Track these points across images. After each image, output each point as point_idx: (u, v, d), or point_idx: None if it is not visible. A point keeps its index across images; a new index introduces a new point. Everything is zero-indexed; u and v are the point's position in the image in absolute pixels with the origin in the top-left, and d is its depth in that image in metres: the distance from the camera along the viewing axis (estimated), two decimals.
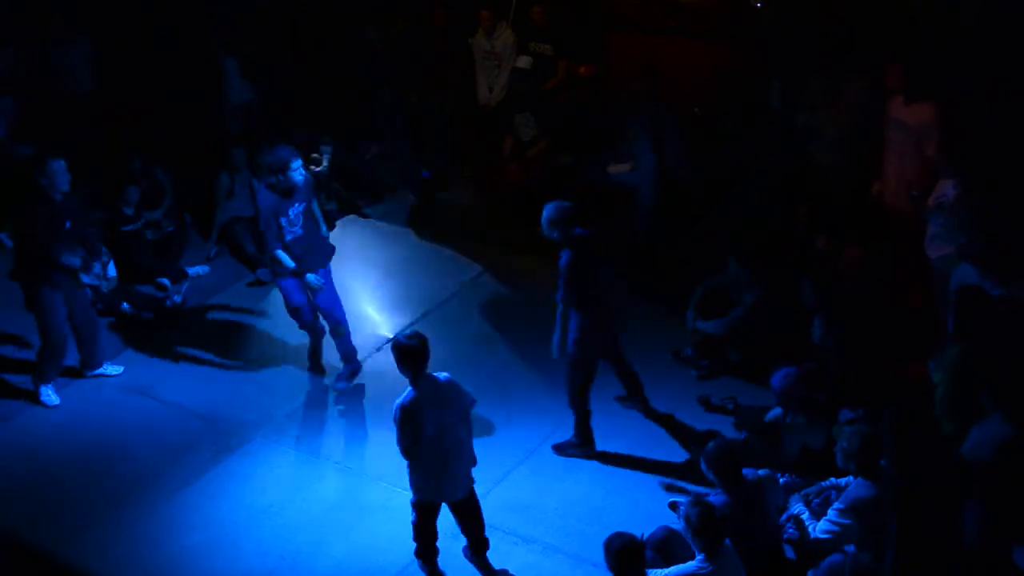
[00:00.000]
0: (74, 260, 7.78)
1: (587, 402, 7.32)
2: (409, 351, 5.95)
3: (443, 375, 6.11)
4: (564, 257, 6.97)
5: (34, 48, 10.67)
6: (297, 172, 7.53)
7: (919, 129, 7.95)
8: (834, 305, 7.35)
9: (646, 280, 9.05)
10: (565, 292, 6.99)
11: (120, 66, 11.02)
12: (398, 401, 5.98)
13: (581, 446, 7.39)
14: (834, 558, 5.85)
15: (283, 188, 7.54)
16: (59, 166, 7.61)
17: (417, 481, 6.18)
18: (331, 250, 8.06)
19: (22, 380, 8.26)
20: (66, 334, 8.09)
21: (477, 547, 6.50)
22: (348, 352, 8.21)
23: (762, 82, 9.56)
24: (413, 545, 6.56)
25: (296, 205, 7.65)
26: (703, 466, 6.05)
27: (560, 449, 7.44)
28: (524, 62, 10.73)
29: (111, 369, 8.49)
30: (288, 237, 7.68)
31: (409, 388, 6.00)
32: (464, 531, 6.47)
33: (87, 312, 8.25)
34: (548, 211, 6.99)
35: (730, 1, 10.13)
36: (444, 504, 6.32)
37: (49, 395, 8.10)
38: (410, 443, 5.99)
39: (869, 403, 6.88)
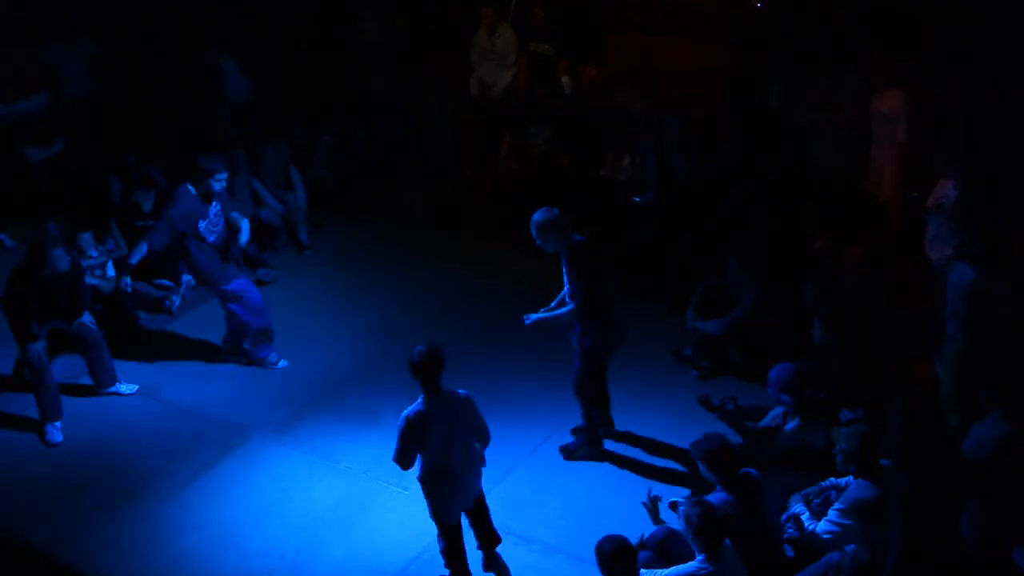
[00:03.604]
0: (36, 348, 7.68)
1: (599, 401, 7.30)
2: (416, 366, 5.86)
3: (463, 392, 6.01)
4: (571, 262, 6.68)
5: (32, 50, 10.68)
6: (217, 183, 8.15)
7: (892, 117, 8.23)
8: (834, 305, 7.35)
9: (646, 280, 9.06)
10: (580, 301, 6.69)
11: (118, 67, 11.02)
12: (404, 411, 5.92)
13: (589, 445, 7.34)
14: (831, 556, 5.84)
15: (203, 192, 8.07)
16: (59, 253, 7.62)
17: (441, 507, 6.09)
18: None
19: (21, 380, 8.26)
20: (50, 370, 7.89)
21: (488, 544, 6.45)
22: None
23: (762, 82, 9.57)
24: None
25: (215, 204, 8.16)
26: (699, 466, 6.06)
27: (569, 452, 7.34)
28: (567, 85, 10.64)
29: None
30: (210, 238, 8.14)
31: (419, 399, 5.93)
32: (476, 531, 6.40)
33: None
34: (539, 217, 6.65)
35: (730, 1, 10.14)
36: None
37: (53, 433, 7.83)
38: (401, 454, 5.93)
39: (869, 403, 6.88)
